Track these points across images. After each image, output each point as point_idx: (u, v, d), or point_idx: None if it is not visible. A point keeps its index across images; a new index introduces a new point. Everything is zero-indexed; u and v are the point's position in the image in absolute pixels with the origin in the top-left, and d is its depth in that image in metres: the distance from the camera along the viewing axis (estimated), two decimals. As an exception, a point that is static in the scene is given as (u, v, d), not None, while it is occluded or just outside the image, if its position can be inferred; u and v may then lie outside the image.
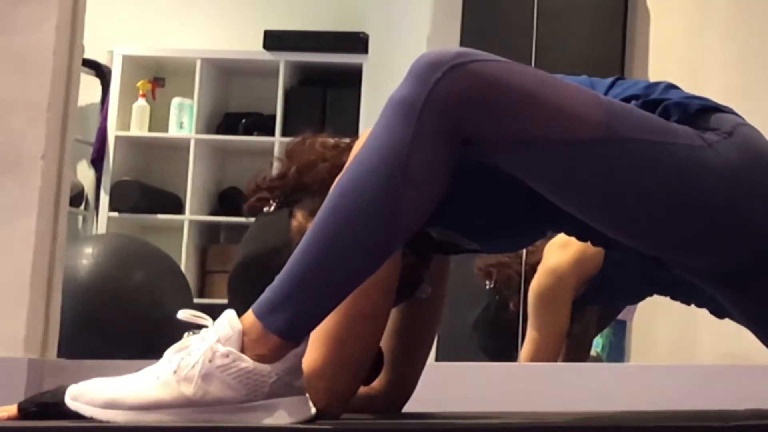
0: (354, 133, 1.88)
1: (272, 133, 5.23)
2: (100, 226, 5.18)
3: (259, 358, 1.43)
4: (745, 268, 1.56)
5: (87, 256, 3.18)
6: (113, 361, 2.39)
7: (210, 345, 1.43)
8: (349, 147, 1.80)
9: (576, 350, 2.96)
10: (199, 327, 1.47)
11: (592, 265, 2.78)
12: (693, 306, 2.36)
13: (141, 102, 5.34)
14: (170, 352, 1.46)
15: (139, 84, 5.33)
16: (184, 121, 5.30)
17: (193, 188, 5.23)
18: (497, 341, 3.18)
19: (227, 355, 1.43)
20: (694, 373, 2.51)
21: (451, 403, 2.12)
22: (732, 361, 3.20)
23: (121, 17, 5.23)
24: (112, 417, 1.42)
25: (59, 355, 2.61)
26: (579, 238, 1.75)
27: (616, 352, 3.41)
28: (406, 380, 1.93)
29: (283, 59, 5.27)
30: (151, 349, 1.59)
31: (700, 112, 1.57)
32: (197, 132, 5.29)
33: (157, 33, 5.41)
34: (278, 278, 1.46)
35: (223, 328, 1.44)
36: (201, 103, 5.31)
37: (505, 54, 1.51)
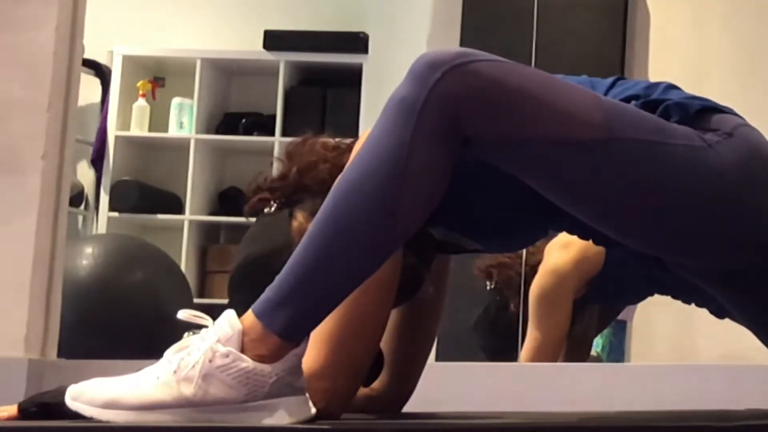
0: (354, 133, 1.88)
1: (272, 133, 5.23)
2: (100, 226, 5.17)
3: (259, 358, 1.43)
4: (745, 268, 1.56)
5: (87, 256, 3.17)
6: (113, 361, 2.39)
7: (210, 345, 1.43)
8: (350, 148, 1.80)
9: (576, 350, 2.96)
10: (199, 327, 1.47)
11: (592, 265, 2.78)
12: (693, 306, 2.36)
13: (141, 102, 5.33)
14: (170, 352, 1.46)
15: (139, 84, 5.33)
16: (184, 121, 5.30)
17: (193, 188, 5.23)
18: (497, 342, 3.18)
19: (227, 355, 1.43)
20: (694, 373, 2.51)
21: (451, 403, 2.12)
22: (732, 361, 3.20)
23: (121, 17, 5.23)
24: (112, 417, 1.42)
25: (59, 355, 2.61)
26: (581, 237, 1.75)
27: (616, 352, 3.41)
28: (406, 380, 1.92)
29: (283, 59, 5.27)
30: (151, 349, 1.59)
31: (701, 113, 1.57)
32: (197, 132, 5.29)
33: (157, 33, 5.41)
34: (278, 278, 1.46)
35: (223, 328, 1.44)
36: (201, 103, 5.30)
37: (505, 54, 1.51)
